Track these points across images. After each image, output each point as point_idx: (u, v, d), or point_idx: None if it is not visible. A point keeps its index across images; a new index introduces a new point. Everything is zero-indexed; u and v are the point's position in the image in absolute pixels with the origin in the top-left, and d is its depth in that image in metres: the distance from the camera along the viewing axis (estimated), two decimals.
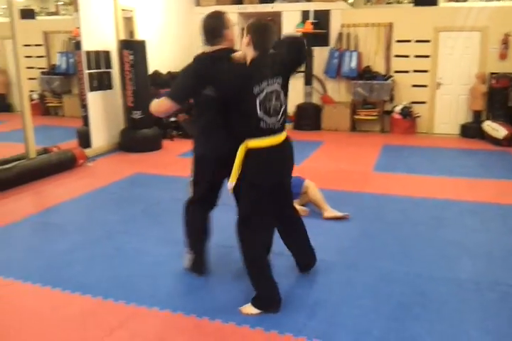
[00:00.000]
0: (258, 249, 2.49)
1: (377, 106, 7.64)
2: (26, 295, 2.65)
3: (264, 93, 2.31)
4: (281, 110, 2.41)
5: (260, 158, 2.39)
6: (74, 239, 3.43)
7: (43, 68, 9.60)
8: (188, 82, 2.46)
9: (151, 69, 6.96)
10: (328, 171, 5.33)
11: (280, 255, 2.98)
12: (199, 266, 2.79)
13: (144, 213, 3.99)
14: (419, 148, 6.60)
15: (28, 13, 9.78)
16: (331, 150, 6.56)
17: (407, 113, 7.38)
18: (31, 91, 9.86)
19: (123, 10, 6.40)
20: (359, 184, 4.80)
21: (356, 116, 7.77)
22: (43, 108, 9.80)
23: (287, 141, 2.51)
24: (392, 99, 7.52)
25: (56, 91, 9.46)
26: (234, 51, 2.51)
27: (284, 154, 2.51)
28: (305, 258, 2.85)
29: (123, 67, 6.14)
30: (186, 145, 6.67)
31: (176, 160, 5.92)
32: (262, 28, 2.44)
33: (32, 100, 9.76)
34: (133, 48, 6.02)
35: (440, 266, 2.93)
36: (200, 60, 2.50)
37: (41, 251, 3.20)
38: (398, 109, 7.43)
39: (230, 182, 2.43)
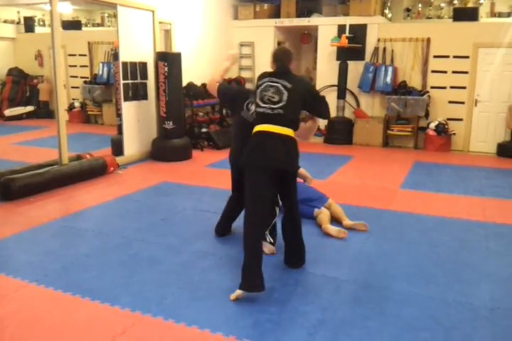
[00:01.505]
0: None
1: (411, 122, 7.50)
2: (38, 298, 2.73)
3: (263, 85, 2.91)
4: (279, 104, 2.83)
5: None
6: (92, 244, 3.52)
7: (86, 77, 10.02)
8: None
9: (186, 81, 7.12)
10: (353, 187, 5.26)
11: (286, 272, 2.96)
12: None
13: (163, 222, 4.06)
14: (451, 166, 6.41)
15: (74, 24, 10.27)
16: (360, 165, 6.47)
17: (442, 130, 7.20)
18: (73, 99, 10.36)
19: (161, 22, 6.60)
20: (383, 201, 4.70)
21: (389, 132, 7.65)
22: (84, 116, 10.20)
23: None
24: (427, 115, 7.37)
25: (97, 100, 9.83)
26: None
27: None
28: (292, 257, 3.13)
29: (158, 78, 6.31)
30: (215, 156, 6.83)
31: (203, 171, 6.00)
32: (277, 52, 3.11)
33: (74, 108, 10.26)
34: (168, 60, 6.18)
35: (455, 290, 2.82)
36: None
37: (59, 255, 3.30)
38: (433, 125, 7.27)
39: None
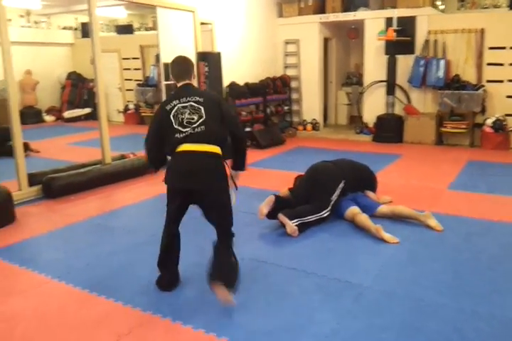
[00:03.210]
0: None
1: (466, 118, 7.03)
2: (56, 294, 2.79)
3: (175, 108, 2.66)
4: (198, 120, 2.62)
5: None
6: (119, 242, 3.57)
7: (139, 80, 10.30)
8: None
9: (228, 81, 7.12)
10: (396, 187, 4.99)
11: (306, 275, 2.83)
12: None
13: (194, 220, 4.00)
14: (508, 165, 5.92)
15: (127, 29, 10.61)
16: (408, 164, 6.14)
17: (499, 126, 6.69)
18: (128, 101, 10.69)
19: (202, 23, 6.63)
20: (426, 202, 4.41)
21: (442, 129, 7.22)
22: (138, 117, 10.49)
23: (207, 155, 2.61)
24: (483, 111, 6.88)
25: (149, 101, 10.06)
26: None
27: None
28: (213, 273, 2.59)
29: (199, 78, 6.34)
30: (256, 155, 6.76)
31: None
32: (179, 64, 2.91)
33: (128, 110, 10.59)
34: (208, 60, 6.21)
35: (490, 302, 2.56)
36: None
37: (85, 253, 3.36)
38: (490, 121, 6.77)
39: None
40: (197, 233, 3.71)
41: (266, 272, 3.00)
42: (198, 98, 2.68)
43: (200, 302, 2.63)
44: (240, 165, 2.91)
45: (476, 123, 7.01)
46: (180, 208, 2.88)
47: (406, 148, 7.14)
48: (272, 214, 3.72)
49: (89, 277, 2.97)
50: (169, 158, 2.75)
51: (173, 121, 2.63)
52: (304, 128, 8.47)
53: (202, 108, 2.64)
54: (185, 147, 2.59)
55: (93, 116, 11.04)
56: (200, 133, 2.60)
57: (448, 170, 5.71)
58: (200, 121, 2.62)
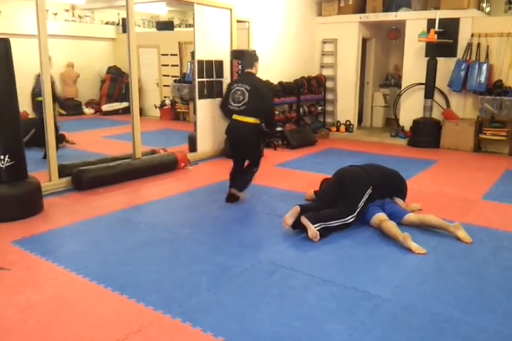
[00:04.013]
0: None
1: (507, 125, 6.74)
2: (72, 287, 2.82)
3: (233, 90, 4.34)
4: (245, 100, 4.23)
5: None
6: (140, 237, 3.59)
7: (176, 76, 10.40)
8: None
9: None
10: (428, 194, 4.82)
11: (322, 282, 2.76)
12: None
13: (214, 220, 4.03)
14: None
15: (167, 25, 10.72)
16: (442, 171, 5.93)
17: None
18: (165, 97, 10.82)
19: (239, 21, 6.60)
20: (458, 212, 4.24)
21: (481, 135, 6.94)
22: (173, 113, 10.61)
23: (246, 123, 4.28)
24: None
25: (185, 98, 10.15)
26: None
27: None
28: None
29: (232, 76, 6.32)
30: (287, 155, 6.70)
31: (271, 170, 5.89)
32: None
33: (165, 106, 10.71)
34: (241, 58, 6.15)
35: None
36: None
37: (105, 247, 3.40)
38: None
39: None
40: (214, 234, 3.71)
41: (282, 277, 2.94)
42: (247, 86, 4.24)
43: (212, 305, 2.59)
44: (267, 125, 4.50)
45: None
46: (235, 152, 4.57)
47: (442, 154, 6.91)
48: (296, 225, 3.64)
49: (106, 272, 3.00)
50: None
51: (230, 96, 4.33)
52: (337, 130, 8.34)
53: (247, 94, 4.22)
54: (235, 117, 4.33)
55: (130, 110, 11.27)
56: (243, 110, 4.25)
57: (484, 178, 5.48)
58: (243, 102, 4.23)
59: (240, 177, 4.46)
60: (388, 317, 2.48)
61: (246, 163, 4.52)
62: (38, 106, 6.08)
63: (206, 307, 2.58)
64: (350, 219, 3.70)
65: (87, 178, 4.82)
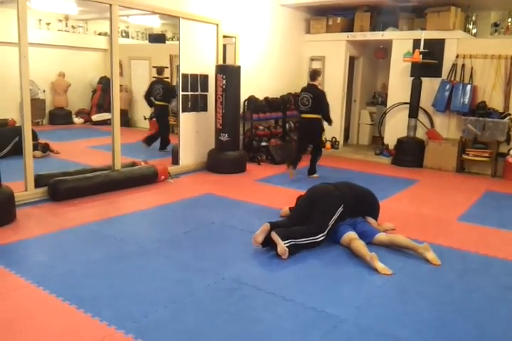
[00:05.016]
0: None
1: (490, 146, 6.78)
2: (31, 299, 2.78)
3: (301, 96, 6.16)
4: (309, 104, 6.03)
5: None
6: (108, 250, 3.56)
7: None
8: None
9: (248, 94, 7.11)
10: (403, 214, 4.83)
11: (283, 301, 2.73)
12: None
13: (185, 235, 4.01)
14: None
15: (160, 38, 10.81)
16: (423, 191, 5.94)
17: None
18: None
19: (226, 36, 6.66)
20: (431, 233, 4.23)
21: (464, 156, 6.98)
22: None
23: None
24: (508, 140, 6.63)
25: (174, 110, 10.15)
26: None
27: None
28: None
29: (216, 90, 6.35)
30: (269, 171, 6.72)
31: (251, 185, 5.90)
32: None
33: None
34: (226, 73, 6.20)
35: None
36: None
37: (71, 259, 3.37)
38: None
39: None
40: (182, 249, 3.68)
41: (243, 295, 2.91)
42: (310, 94, 6.02)
43: (167, 322, 2.56)
44: (325, 119, 6.14)
45: (500, 152, 6.75)
46: (304, 139, 6.34)
47: (424, 174, 6.94)
48: (267, 242, 3.62)
49: (67, 285, 2.97)
50: None
51: (299, 101, 6.15)
52: (323, 146, 8.36)
53: (310, 99, 6.01)
54: (304, 115, 6.13)
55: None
56: (308, 110, 6.04)
57: (463, 199, 5.49)
58: (308, 105, 6.02)
59: (311, 165, 6.35)
60: (343, 339, 2.46)
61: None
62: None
63: (161, 324, 2.55)
64: (320, 237, 3.69)
65: (63, 189, 4.80)
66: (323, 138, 8.47)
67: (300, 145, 6.36)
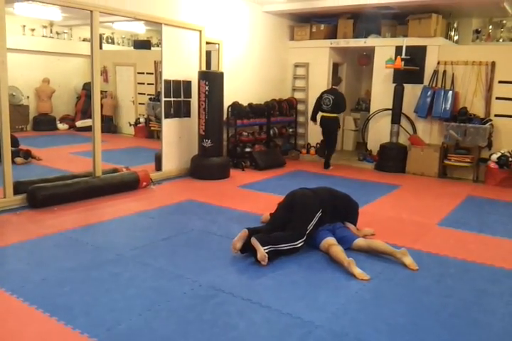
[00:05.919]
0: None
1: (471, 152, 6.86)
2: (4, 307, 2.74)
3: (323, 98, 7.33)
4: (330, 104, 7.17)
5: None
6: (84, 258, 3.52)
7: (152, 95, 10.42)
8: None
9: (231, 100, 7.12)
10: (383, 219, 4.84)
11: (259, 308, 2.72)
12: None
13: (164, 242, 3.98)
14: (508, 203, 5.71)
15: (144, 44, 10.79)
16: (404, 196, 5.98)
17: (504, 162, 6.49)
18: (140, 115, 10.81)
19: (209, 42, 6.68)
20: (409, 238, 4.25)
21: (446, 162, 7.05)
22: (147, 131, 10.57)
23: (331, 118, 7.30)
24: (489, 146, 6.70)
25: (158, 116, 10.11)
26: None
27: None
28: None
29: (199, 96, 6.35)
30: (253, 177, 6.72)
31: (234, 191, 5.89)
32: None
33: (139, 123, 10.69)
34: (209, 79, 6.20)
35: None
36: None
37: (46, 267, 3.33)
38: (495, 157, 6.58)
39: None
40: (160, 256, 3.65)
41: (219, 302, 2.89)
42: (331, 96, 7.10)
43: (140, 330, 2.53)
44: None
45: (482, 158, 6.83)
46: (325, 133, 7.39)
47: (407, 179, 6.98)
48: (245, 249, 3.60)
49: (41, 293, 2.92)
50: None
51: (321, 101, 7.19)
52: (308, 152, 8.39)
53: (332, 100, 7.06)
54: (323, 114, 7.23)
55: (103, 128, 11.23)
56: (329, 110, 7.11)
57: (444, 204, 5.53)
58: (330, 105, 7.09)
59: (326, 160, 7.46)
60: None
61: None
62: None
63: (134, 332, 2.52)
64: (300, 243, 3.68)
65: (42, 196, 4.75)
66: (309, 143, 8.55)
67: (324, 139, 7.57)
